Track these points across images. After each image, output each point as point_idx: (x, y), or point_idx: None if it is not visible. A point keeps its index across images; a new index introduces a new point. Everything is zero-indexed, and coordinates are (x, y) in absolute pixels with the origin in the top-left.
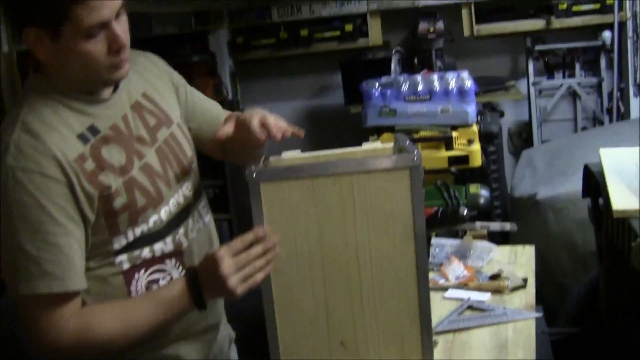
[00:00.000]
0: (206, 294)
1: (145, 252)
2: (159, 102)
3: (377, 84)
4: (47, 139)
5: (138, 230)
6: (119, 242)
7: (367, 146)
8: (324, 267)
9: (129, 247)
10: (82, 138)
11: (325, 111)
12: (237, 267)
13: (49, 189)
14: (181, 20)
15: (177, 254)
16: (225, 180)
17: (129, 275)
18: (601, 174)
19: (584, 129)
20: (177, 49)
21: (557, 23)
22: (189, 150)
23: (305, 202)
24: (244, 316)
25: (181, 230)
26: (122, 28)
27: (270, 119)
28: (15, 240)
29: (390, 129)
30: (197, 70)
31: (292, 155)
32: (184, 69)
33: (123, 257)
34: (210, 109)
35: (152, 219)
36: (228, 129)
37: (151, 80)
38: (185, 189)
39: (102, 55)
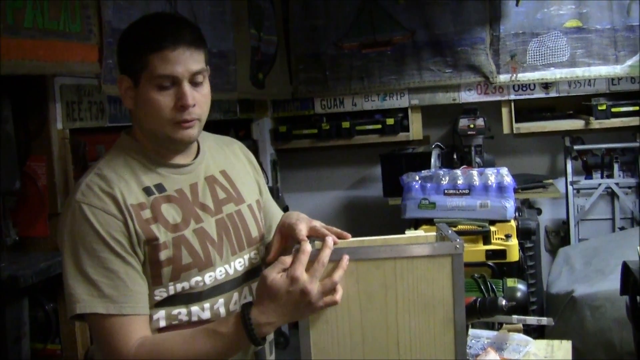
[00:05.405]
0: (277, 319)
1: (183, 314)
2: (235, 182)
3: (417, 177)
4: (114, 184)
5: (179, 286)
6: (160, 294)
7: (410, 233)
8: (364, 347)
9: (167, 301)
10: (147, 191)
11: (364, 202)
12: (314, 277)
13: (108, 224)
14: (227, 107)
15: None
16: None
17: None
18: None
19: (622, 229)
20: (221, 134)
21: (596, 124)
22: (254, 231)
23: (348, 284)
24: None
25: (221, 300)
26: (195, 94)
27: (318, 224)
28: (79, 265)
29: (429, 222)
30: None
31: None
32: None
33: (161, 314)
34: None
35: (195, 279)
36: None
37: (236, 164)
38: (238, 264)
39: (167, 108)
